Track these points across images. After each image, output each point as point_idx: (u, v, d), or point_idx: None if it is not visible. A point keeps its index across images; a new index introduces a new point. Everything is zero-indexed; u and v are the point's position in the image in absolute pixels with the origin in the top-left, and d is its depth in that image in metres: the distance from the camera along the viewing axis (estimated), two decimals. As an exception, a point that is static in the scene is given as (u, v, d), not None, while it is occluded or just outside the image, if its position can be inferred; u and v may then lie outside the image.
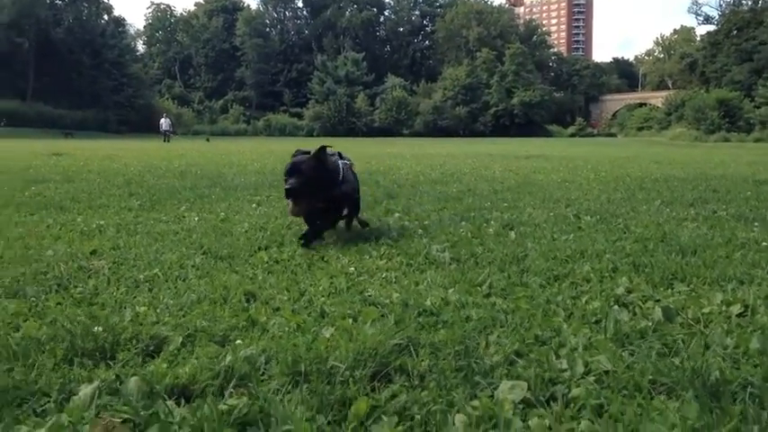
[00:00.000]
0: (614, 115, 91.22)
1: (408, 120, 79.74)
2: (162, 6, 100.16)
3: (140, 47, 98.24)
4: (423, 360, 1.89)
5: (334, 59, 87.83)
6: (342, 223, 4.67)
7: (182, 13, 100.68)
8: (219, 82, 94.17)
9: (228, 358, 1.88)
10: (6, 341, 2.03)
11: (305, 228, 4.19)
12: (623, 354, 1.99)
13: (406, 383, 1.75)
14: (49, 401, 1.62)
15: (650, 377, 1.76)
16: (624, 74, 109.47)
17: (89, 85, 70.26)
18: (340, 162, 4.35)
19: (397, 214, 5.55)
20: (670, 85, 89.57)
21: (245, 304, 2.62)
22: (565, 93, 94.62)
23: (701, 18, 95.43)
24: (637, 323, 2.29)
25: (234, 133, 73.67)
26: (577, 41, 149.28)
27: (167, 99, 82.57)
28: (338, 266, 3.36)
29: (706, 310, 2.50)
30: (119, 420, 1.42)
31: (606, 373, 1.82)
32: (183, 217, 5.42)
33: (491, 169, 12.68)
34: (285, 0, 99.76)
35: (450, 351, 1.96)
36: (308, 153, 4.14)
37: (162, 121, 44.94)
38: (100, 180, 8.80)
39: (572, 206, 6.10)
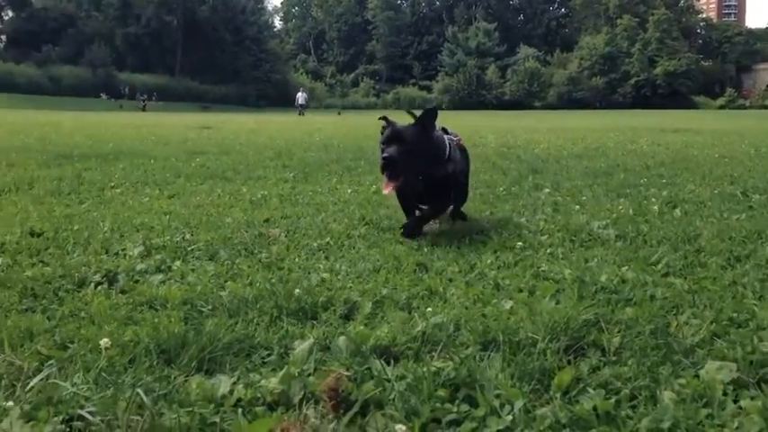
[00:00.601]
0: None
1: (541, 92, 77.55)
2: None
3: (277, 23, 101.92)
4: (614, 336, 1.90)
5: (465, 30, 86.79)
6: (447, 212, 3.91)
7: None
8: (351, 56, 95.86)
9: (421, 324, 1.98)
10: (219, 299, 2.25)
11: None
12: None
13: (603, 359, 1.77)
14: (271, 354, 1.79)
15: None
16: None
17: (231, 61, 73.95)
18: (446, 137, 3.64)
19: (546, 189, 5.49)
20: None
21: (420, 274, 2.72)
22: (714, 61, 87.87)
23: None
24: None
25: (364, 107, 74.96)
26: (728, 6, 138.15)
27: (301, 74, 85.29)
28: (500, 240, 3.40)
29: None
30: (347, 373, 1.55)
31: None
32: (336, 188, 5.64)
33: (637, 143, 12.14)
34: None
35: (642, 329, 1.96)
36: (395, 123, 3.48)
37: (298, 95, 46.55)
38: (252, 153, 9.30)
39: (736, 183, 5.76)
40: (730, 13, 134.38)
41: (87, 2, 72.76)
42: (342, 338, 1.82)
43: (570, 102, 73.49)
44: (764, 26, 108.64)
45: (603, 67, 77.00)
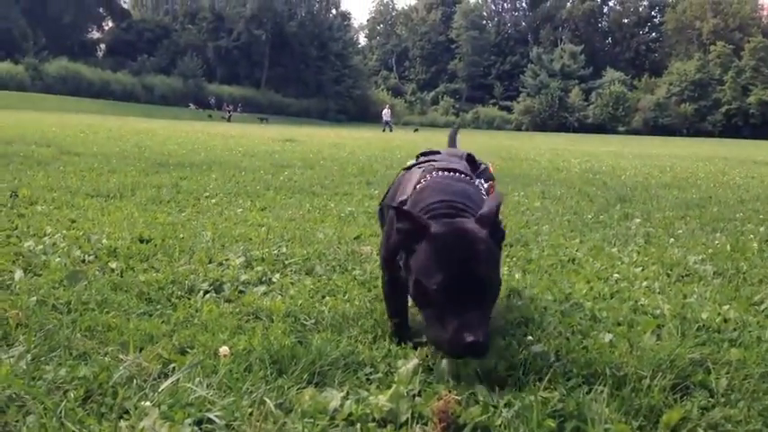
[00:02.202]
0: None
1: (626, 116, 75.62)
2: (385, 1, 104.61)
3: (362, 39, 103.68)
4: (722, 378, 1.86)
5: (550, 52, 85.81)
6: None
7: (403, 8, 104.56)
8: (432, 74, 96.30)
9: (522, 352, 2.00)
10: (321, 313, 2.33)
11: None
12: None
13: (711, 399, 1.74)
14: (376, 372, 1.85)
15: None
16: None
17: (314, 75, 75.70)
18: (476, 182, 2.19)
19: (636, 219, 5.38)
20: None
21: (513, 300, 2.73)
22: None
23: None
24: None
25: (442, 125, 74.98)
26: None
27: (383, 90, 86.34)
28: (593, 270, 3.36)
29: None
30: (459, 397, 1.59)
31: None
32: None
33: (729, 174, 11.71)
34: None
35: (750, 371, 1.91)
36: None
37: (384, 111, 47.04)
38: (335, 168, 9.48)
39: None
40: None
41: (183, 15, 76.05)
42: (444, 361, 1.86)
43: (656, 128, 71.33)
44: None
45: (693, 94, 74.41)
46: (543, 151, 19.54)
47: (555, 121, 76.85)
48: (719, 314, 2.56)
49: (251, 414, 1.32)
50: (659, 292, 2.94)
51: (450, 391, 1.69)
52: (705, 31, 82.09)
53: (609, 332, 2.29)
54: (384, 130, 41.41)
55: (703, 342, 2.20)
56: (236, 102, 61.49)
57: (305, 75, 75.62)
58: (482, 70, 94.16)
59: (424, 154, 2.44)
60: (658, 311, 2.59)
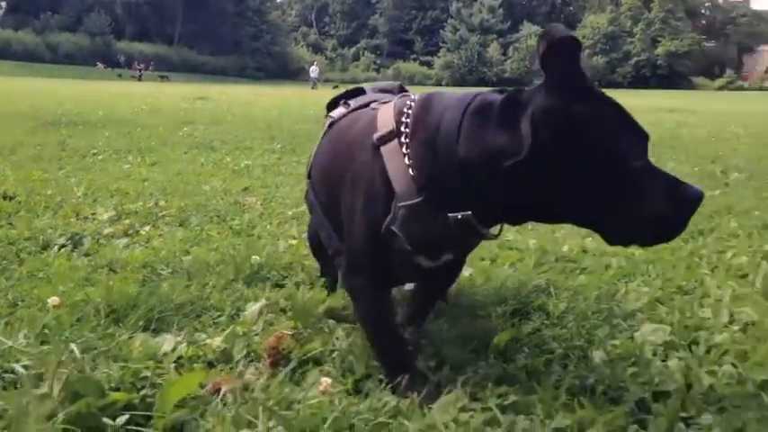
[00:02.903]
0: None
1: (542, 70, 77.02)
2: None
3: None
4: (561, 301, 1.94)
5: (469, 6, 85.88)
6: None
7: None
8: (353, 30, 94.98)
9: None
10: (180, 263, 2.28)
11: None
12: (773, 308, 1.94)
13: (546, 321, 1.81)
14: (221, 315, 1.83)
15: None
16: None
17: (231, 31, 73.26)
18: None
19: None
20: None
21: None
22: (717, 42, 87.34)
23: None
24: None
25: (363, 81, 74.53)
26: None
27: (302, 46, 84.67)
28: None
29: None
30: (289, 332, 1.59)
31: (752, 323, 1.80)
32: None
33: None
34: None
35: (588, 294, 2.00)
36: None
37: (312, 68, 46.19)
38: (243, 123, 9.29)
39: (718, 162, 5.78)
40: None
41: (88, -31, 71.95)
42: (296, 301, 1.86)
43: (571, 80, 72.99)
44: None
45: (605, 47, 76.34)
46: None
47: (474, 75, 77.45)
48: (580, 246, 2.66)
49: (59, 363, 1.28)
50: (531, 229, 3.02)
51: (296, 329, 1.70)
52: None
53: (471, 267, 2.34)
54: (313, 87, 40.76)
55: (555, 270, 2.28)
56: (148, 60, 59.00)
57: (221, 31, 73.06)
58: (403, 25, 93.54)
59: (348, 96, 1.81)
60: (524, 246, 2.67)
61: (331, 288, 1.97)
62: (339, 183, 1.48)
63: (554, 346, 1.62)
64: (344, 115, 1.68)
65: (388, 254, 1.39)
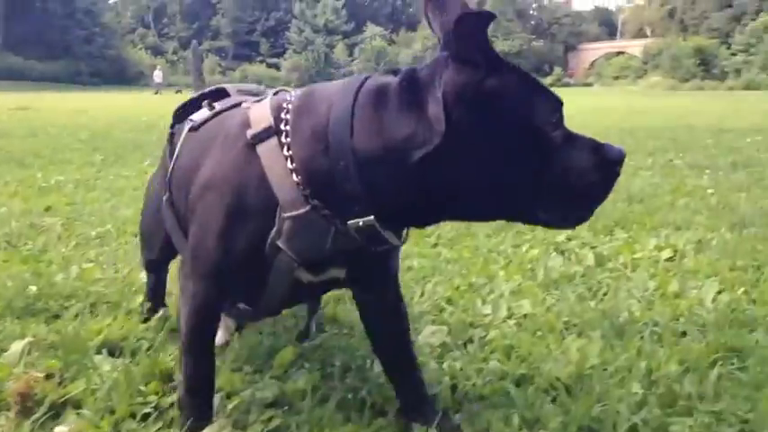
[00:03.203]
0: (592, 64, 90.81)
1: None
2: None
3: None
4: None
5: (313, 7, 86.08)
6: None
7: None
8: (195, 31, 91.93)
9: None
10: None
11: None
12: (547, 298, 2.08)
13: (336, 332, 1.83)
14: (-18, 356, 1.67)
15: (565, 319, 1.86)
16: (604, 22, 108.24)
17: (60, 35, 68.39)
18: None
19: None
20: (648, 34, 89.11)
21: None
22: (545, 42, 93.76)
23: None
24: (568, 269, 2.38)
25: (209, 84, 72.38)
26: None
27: (141, 49, 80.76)
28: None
29: (638, 256, 2.61)
30: (41, 375, 1.47)
31: (526, 316, 1.91)
32: (146, 172, 5.40)
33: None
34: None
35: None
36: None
37: (155, 73, 44.04)
38: (65, 135, 8.69)
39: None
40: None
41: None
42: (65, 335, 1.73)
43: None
44: (590, 8, 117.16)
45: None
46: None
47: (323, 77, 77.70)
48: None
49: None
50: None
51: (63, 367, 1.58)
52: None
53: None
54: (156, 93, 38.82)
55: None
56: (-35, 68, 53.83)
57: (49, 35, 67.94)
58: (247, 27, 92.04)
59: (209, 97, 1.53)
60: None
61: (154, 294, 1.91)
62: (204, 190, 1.23)
63: (338, 359, 1.63)
64: (209, 118, 1.43)
65: (257, 271, 1.18)
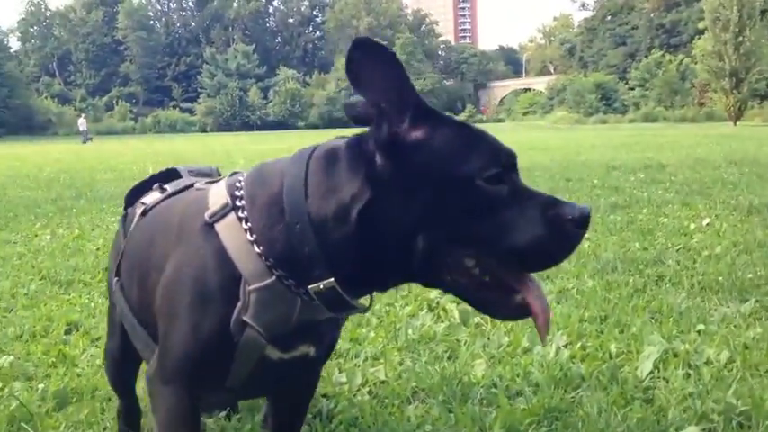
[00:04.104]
0: (502, 101, 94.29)
1: (303, 112, 79.24)
2: (35, 0, 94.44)
3: (14, 44, 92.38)
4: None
5: (224, 52, 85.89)
6: None
7: (58, 8, 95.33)
8: (103, 78, 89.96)
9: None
10: None
11: None
12: (405, 360, 2.19)
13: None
14: None
15: (413, 383, 1.96)
16: (509, 61, 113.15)
17: (-41, 87, 65.61)
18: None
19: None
20: (552, 71, 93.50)
21: (64, 337, 2.63)
22: (455, 80, 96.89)
23: (578, 4, 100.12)
24: (431, 328, 2.50)
25: (121, 131, 70.61)
26: (464, 30, 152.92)
27: (47, 98, 78.16)
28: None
29: (502, 309, 2.75)
30: None
31: (382, 382, 2.01)
32: (36, 236, 5.27)
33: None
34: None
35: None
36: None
37: (80, 121, 42.48)
38: (-49, 196, 8.33)
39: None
40: (465, 36, 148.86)
41: None
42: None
43: (332, 120, 76.01)
44: (495, 48, 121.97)
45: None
46: (216, 154, 19.46)
47: (238, 120, 77.46)
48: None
49: None
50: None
51: None
52: (362, 28, 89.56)
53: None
54: (84, 142, 37.03)
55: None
56: None
57: (-54, 86, 65.15)
58: (157, 72, 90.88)
59: (159, 179, 1.56)
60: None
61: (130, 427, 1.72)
62: (160, 275, 1.21)
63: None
64: (161, 200, 1.42)
65: (227, 356, 1.15)
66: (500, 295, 1.08)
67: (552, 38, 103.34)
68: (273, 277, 1.10)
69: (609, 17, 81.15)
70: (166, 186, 1.46)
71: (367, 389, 1.97)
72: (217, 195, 1.19)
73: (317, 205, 1.08)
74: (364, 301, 1.16)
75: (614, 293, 2.91)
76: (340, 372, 2.09)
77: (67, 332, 2.69)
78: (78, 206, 7.05)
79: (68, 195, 8.06)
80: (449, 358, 2.21)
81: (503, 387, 1.91)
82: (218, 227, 1.14)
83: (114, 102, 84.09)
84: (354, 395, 1.93)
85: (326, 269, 1.08)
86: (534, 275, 1.11)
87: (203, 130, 74.26)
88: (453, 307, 2.76)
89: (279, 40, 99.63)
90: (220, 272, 1.12)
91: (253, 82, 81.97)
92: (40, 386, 2.03)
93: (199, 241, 1.15)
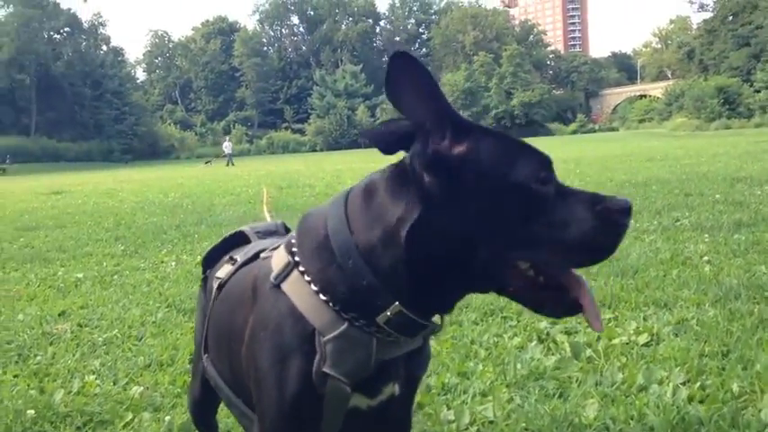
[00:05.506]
0: (615, 109, 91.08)
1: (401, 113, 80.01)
2: (160, 33, 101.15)
3: (140, 74, 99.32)
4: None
5: (332, 73, 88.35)
6: None
7: (179, 39, 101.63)
8: (220, 103, 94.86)
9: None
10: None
11: None
12: (515, 397, 2.16)
13: None
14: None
15: (523, 424, 1.93)
16: (623, 67, 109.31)
17: (91, 116, 71.20)
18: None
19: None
20: (669, 76, 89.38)
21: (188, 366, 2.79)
22: (564, 90, 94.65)
23: (696, 5, 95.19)
24: (540, 363, 2.45)
25: (237, 153, 73.88)
26: (574, 38, 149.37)
27: (170, 124, 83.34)
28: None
29: (615, 342, 2.66)
30: None
31: (491, 422, 1.99)
32: (162, 262, 5.61)
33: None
34: (281, 18, 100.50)
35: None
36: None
37: (225, 144, 45.07)
38: (91, 223, 9.01)
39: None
40: (575, 44, 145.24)
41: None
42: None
43: (438, 136, 76.20)
44: (607, 55, 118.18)
45: (465, 102, 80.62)
46: (326, 174, 19.95)
47: (347, 138, 79.17)
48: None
49: None
50: None
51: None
52: (468, 43, 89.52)
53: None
54: (228, 165, 39.08)
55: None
56: (3, 154, 55.90)
57: (81, 116, 70.80)
58: (270, 96, 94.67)
59: (227, 245, 1.65)
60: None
61: None
62: (241, 345, 1.26)
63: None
64: (233, 273, 1.45)
65: (317, 410, 1.16)
66: (554, 294, 1.12)
67: (669, 41, 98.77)
68: (345, 324, 1.12)
69: (730, 17, 76.58)
70: (236, 257, 1.49)
71: (475, 428, 1.96)
72: (279, 257, 1.23)
73: (364, 236, 1.11)
74: (436, 320, 1.17)
75: (737, 324, 2.74)
76: (448, 409, 2.09)
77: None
78: (200, 231, 7.44)
79: (191, 221, 8.50)
80: (559, 396, 2.16)
81: (616, 430, 1.85)
82: (284, 286, 1.17)
83: (231, 125, 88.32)
84: (460, 435, 1.93)
85: (388, 296, 1.10)
86: (579, 272, 1.14)
87: (313, 150, 76.50)
88: (564, 339, 2.70)
89: (385, 58, 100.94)
90: (293, 329, 1.15)
91: (361, 101, 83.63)
92: (167, 417, 2.16)
93: (270, 304, 1.19)
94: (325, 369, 1.12)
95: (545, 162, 1.10)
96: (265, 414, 1.20)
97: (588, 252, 1.09)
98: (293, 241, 1.22)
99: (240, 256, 1.47)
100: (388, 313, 1.10)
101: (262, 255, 1.36)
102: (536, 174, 1.07)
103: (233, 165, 38.32)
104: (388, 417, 1.26)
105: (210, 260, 1.62)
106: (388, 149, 1.12)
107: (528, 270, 1.11)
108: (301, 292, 1.15)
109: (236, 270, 1.44)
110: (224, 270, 1.50)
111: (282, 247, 1.25)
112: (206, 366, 1.49)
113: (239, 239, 1.60)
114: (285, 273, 1.18)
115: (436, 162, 1.06)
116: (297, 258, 1.18)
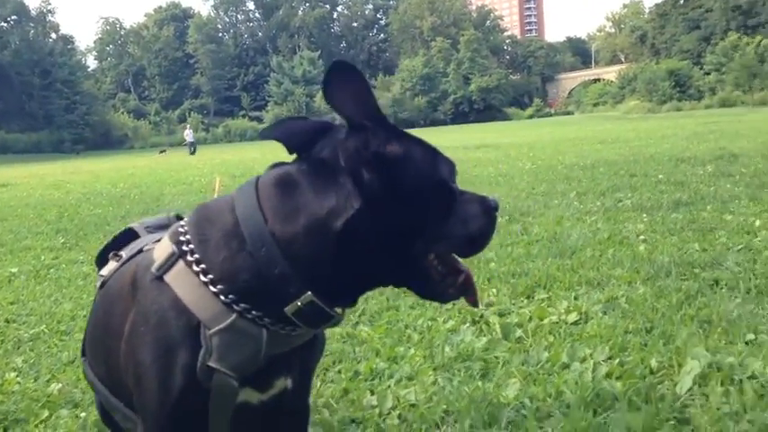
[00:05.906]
0: (570, 93, 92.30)
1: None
2: (111, 20, 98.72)
3: (92, 62, 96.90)
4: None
5: (290, 60, 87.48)
6: None
7: (132, 26, 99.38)
8: (175, 91, 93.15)
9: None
10: None
11: None
12: (439, 380, 2.15)
13: None
14: None
15: (444, 406, 1.92)
16: (578, 52, 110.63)
17: (41, 106, 69.24)
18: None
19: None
20: (623, 60, 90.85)
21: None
22: (521, 75, 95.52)
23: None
24: (470, 344, 2.45)
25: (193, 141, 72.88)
26: (530, 23, 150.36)
27: (123, 113, 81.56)
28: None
29: (546, 321, 2.68)
30: None
31: (412, 405, 1.98)
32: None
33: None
34: (237, 3, 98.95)
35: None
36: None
37: (186, 132, 44.07)
38: (33, 215, 8.76)
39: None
40: (531, 29, 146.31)
41: None
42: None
43: (397, 122, 75.42)
44: (562, 40, 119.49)
45: (424, 87, 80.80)
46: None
47: (305, 126, 78.73)
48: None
49: None
50: None
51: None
52: (425, 28, 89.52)
53: None
54: (192, 153, 38.11)
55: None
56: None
57: (29, 106, 68.81)
58: (227, 83, 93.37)
59: (116, 244, 1.53)
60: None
61: None
62: (119, 342, 1.20)
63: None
64: (116, 270, 1.38)
65: (203, 406, 1.12)
66: (450, 281, 1.21)
67: (622, 25, 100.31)
68: (233, 316, 1.10)
69: (681, 1, 78.26)
70: (122, 253, 1.42)
71: (397, 412, 1.95)
72: (162, 248, 1.19)
73: (284, 226, 1.11)
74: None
75: (664, 301, 2.78)
76: (372, 394, 2.07)
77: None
78: (145, 221, 7.28)
79: (136, 212, 8.32)
80: (483, 377, 2.16)
81: (533, 409, 1.86)
82: (168, 277, 1.14)
83: (186, 114, 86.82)
84: (384, 419, 1.91)
85: (301, 284, 1.10)
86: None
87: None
88: (496, 320, 2.71)
89: (343, 44, 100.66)
90: (177, 322, 1.11)
91: (319, 88, 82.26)
92: (83, 414, 2.10)
93: (151, 296, 1.15)
94: (211, 363, 1.09)
95: (453, 165, 1.22)
96: (148, 412, 1.16)
97: (480, 242, 1.21)
98: (181, 230, 1.18)
99: (125, 252, 1.41)
100: (299, 303, 1.10)
101: (145, 248, 1.31)
102: (451, 174, 1.20)
103: (165, 153, 37.61)
104: (283, 409, 1.25)
105: (103, 260, 1.50)
106: (298, 147, 1.18)
107: (433, 260, 1.18)
108: (186, 283, 1.12)
109: (120, 266, 1.37)
110: (107, 268, 1.42)
111: (166, 237, 1.21)
112: (85, 369, 1.44)
113: (131, 237, 1.52)
114: (169, 263, 1.14)
115: (376, 160, 1.10)
116: (187, 248, 1.14)
